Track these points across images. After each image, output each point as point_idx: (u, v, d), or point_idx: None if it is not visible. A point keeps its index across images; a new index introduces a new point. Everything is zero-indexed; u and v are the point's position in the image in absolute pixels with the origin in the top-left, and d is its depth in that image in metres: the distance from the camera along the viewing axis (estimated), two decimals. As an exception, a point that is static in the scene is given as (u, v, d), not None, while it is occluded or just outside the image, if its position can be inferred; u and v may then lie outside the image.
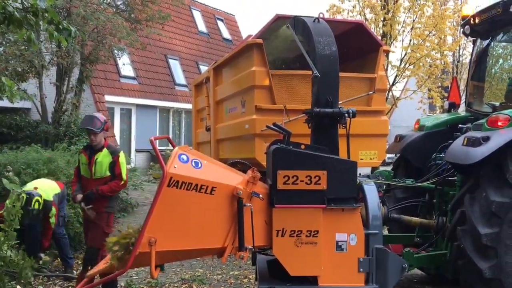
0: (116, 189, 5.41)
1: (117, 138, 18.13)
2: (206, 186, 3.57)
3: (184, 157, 3.65)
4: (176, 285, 5.90)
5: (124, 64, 18.82)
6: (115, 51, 14.66)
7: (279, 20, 5.88)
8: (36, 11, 4.41)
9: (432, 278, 5.82)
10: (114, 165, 5.35)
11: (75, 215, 7.37)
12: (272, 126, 4.23)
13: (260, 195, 3.68)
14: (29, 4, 4.50)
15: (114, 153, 5.39)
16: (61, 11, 11.72)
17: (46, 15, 4.53)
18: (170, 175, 3.49)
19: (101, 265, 3.98)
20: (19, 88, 10.87)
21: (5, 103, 11.75)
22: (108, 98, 18.05)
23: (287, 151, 3.76)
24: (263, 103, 5.88)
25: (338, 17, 15.11)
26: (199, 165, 3.68)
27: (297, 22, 4.80)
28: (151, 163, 18.83)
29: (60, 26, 4.68)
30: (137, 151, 19.31)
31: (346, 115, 4.14)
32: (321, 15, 4.67)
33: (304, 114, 4.39)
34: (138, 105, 19.58)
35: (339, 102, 4.34)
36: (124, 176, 5.38)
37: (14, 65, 11.16)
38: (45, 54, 12.37)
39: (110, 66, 18.18)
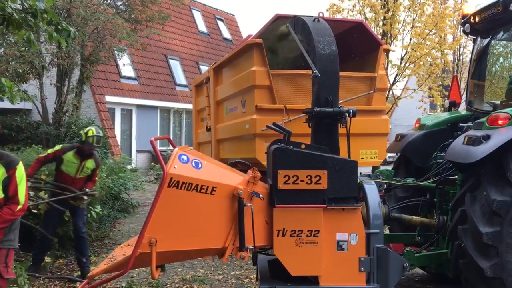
0: (10, 218, 3.68)
1: (118, 138, 18.15)
2: (207, 186, 3.57)
3: (185, 157, 3.65)
4: (177, 285, 5.90)
5: (124, 64, 18.84)
6: (115, 51, 14.68)
7: (279, 19, 5.88)
8: (35, 12, 4.41)
9: (433, 277, 5.81)
10: (8, 182, 3.67)
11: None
12: (272, 126, 4.23)
13: (261, 195, 3.69)
14: (28, 5, 4.49)
15: (10, 166, 3.70)
16: (61, 12, 11.73)
17: (45, 16, 4.53)
18: (171, 175, 3.50)
19: (102, 265, 3.98)
20: (19, 89, 10.87)
21: (5, 104, 11.75)
22: (108, 98, 18.06)
23: (288, 151, 3.76)
24: (263, 103, 5.88)
25: (338, 16, 15.10)
26: (200, 165, 3.68)
27: (297, 22, 4.80)
28: (152, 163, 18.87)
29: (60, 27, 4.68)
30: (138, 151, 19.33)
31: (347, 114, 4.14)
32: (321, 15, 4.68)
33: (304, 114, 4.38)
34: (138, 106, 19.59)
35: (340, 102, 4.34)
36: (22, 198, 3.71)
37: (14, 66, 11.17)
38: (46, 55, 12.38)
39: (110, 67, 18.20)
